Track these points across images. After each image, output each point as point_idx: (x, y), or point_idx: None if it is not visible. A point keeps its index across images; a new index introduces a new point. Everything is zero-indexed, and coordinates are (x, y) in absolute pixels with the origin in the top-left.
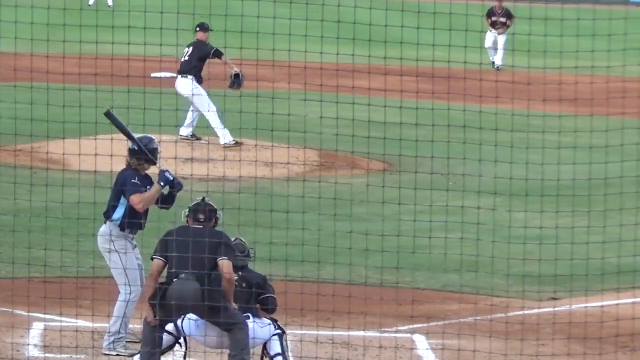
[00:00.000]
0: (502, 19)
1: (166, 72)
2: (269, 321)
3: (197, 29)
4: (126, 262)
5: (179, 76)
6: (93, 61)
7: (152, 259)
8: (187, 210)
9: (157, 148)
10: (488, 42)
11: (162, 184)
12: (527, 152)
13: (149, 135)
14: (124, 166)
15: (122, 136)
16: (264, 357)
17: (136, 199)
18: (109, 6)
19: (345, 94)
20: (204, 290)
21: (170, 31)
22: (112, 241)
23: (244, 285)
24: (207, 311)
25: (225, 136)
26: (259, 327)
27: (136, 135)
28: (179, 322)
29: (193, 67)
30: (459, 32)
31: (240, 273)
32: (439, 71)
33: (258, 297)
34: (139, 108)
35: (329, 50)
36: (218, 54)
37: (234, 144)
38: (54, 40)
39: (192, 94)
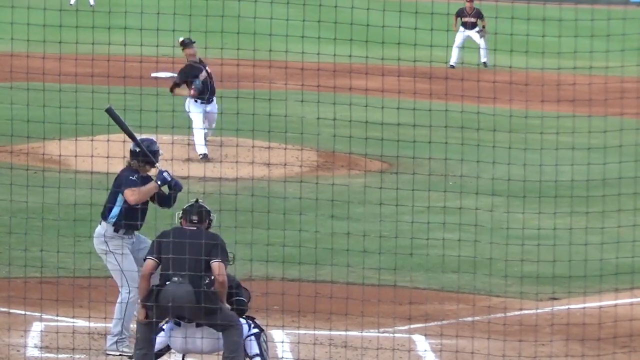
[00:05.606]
0: (472, 19)
1: (165, 72)
2: (243, 321)
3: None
4: (123, 263)
5: None
6: (89, 62)
7: (144, 259)
8: (181, 211)
9: (158, 150)
10: (457, 42)
11: (159, 183)
12: (525, 153)
13: (150, 137)
14: (124, 166)
15: (119, 137)
16: (245, 358)
17: (130, 192)
18: (91, 5)
19: (343, 93)
20: (198, 292)
21: (167, 32)
22: (107, 242)
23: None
24: (203, 314)
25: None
26: None
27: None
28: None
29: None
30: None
31: None
32: (436, 71)
33: (231, 297)
34: (136, 109)
35: (326, 51)
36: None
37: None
38: (50, 41)
39: (188, 112)
